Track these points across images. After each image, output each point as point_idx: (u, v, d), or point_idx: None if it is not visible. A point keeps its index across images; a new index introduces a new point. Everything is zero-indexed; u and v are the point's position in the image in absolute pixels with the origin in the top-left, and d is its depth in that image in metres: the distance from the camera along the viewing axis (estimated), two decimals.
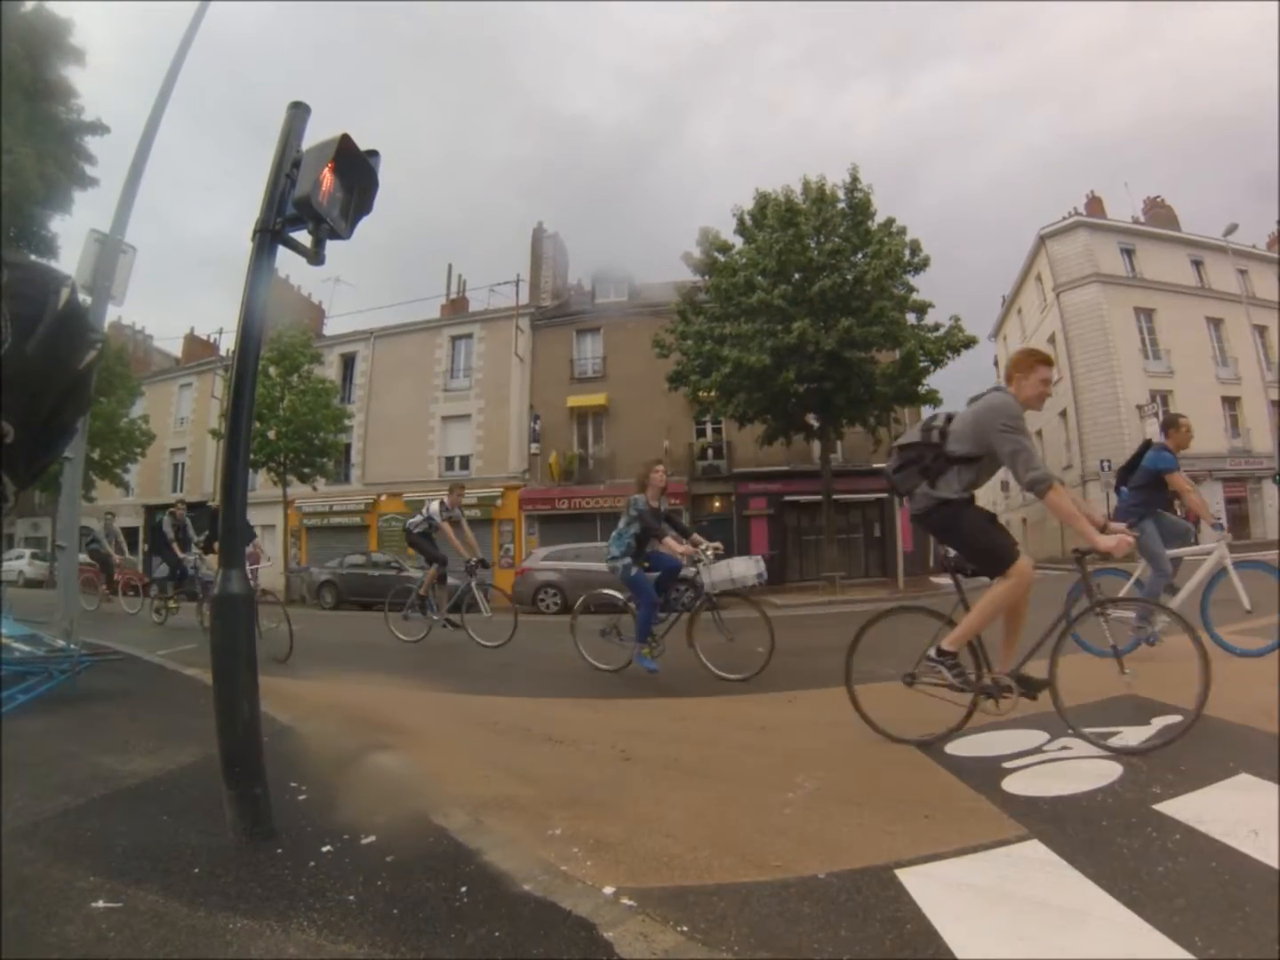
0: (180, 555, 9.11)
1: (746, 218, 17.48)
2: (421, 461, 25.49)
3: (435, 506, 7.72)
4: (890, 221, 17.12)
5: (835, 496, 18.28)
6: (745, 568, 5.39)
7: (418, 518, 7.90)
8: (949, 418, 3.33)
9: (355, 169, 2.54)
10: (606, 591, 6.00)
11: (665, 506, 5.70)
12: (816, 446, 19.00)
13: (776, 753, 3.30)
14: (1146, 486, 5.06)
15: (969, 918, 1.71)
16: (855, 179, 17.09)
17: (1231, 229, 24.77)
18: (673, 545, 5.37)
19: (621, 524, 5.56)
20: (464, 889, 1.91)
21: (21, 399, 1.09)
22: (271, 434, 19.83)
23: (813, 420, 17.88)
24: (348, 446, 25.42)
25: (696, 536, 5.56)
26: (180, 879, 1.98)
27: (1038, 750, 3.00)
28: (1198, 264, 28.10)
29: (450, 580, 8.06)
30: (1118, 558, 3.28)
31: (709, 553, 5.31)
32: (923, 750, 3.18)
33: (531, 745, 3.61)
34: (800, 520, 22.58)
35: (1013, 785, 2.61)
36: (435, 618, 7.62)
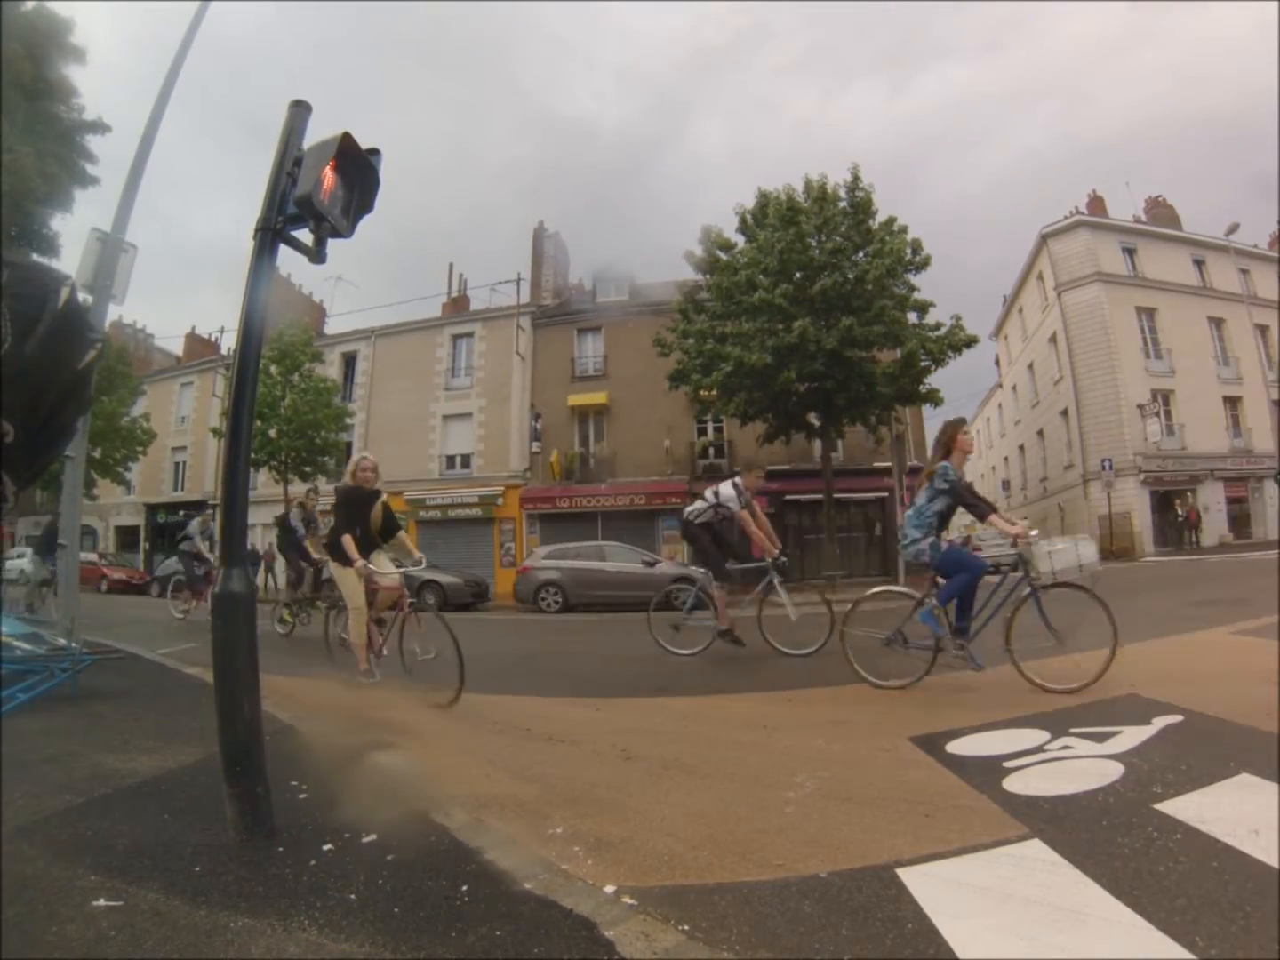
0: (316, 555, 8.16)
1: (748, 216, 17.47)
2: (422, 460, 25.49)
3: (729, 490, 6.32)
4: (891, 220, 17.10)
5: (836, 495, 18.28)
6: (1091, 552, 4.35)
7: (699, 505, 6.53)
8: None
9: (356, 167, 2.54)
10: (897, 589, 5.02)
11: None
12: (817, 445, 19.00)
13: (777, 752, 3.30)
14: None
15: (970, 917, 1.71)
16: (856, 178, 17.08)
17: (1233, 228, 24.75)
18: (1000, 524, 4.33)
19: (922, 499, 4.53)
20: (465, 888, 1.92)
21: (21, 399, 1.09)
22: (273, 433, 19.83)
23: (814, 419, 17.88)
24: (349, 445, 25.38)
25: (1003, 513, 4.65)
26: (181, 877, 1.98)
27: (1039, 750, 3.00)
28: (1199, 263, 28.05)
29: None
30: None
31: (1034, 533, 4.32)
32: (924, 750, 3.17)
33: (532, 744, 3.61)
34: (801, 519, 22.56)
35: (1014, 785, 2.61)
36: (721, 627, 6.30)
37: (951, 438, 4.56)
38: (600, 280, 27.49)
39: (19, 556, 18.61)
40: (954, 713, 3.73)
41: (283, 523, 8.83)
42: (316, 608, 8.09)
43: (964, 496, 4.47)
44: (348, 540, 4.71)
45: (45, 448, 1.24)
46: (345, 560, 4.72)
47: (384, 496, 5.18)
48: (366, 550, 4.82)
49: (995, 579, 4.52)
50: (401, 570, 5.00)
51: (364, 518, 4.95)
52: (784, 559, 6.29)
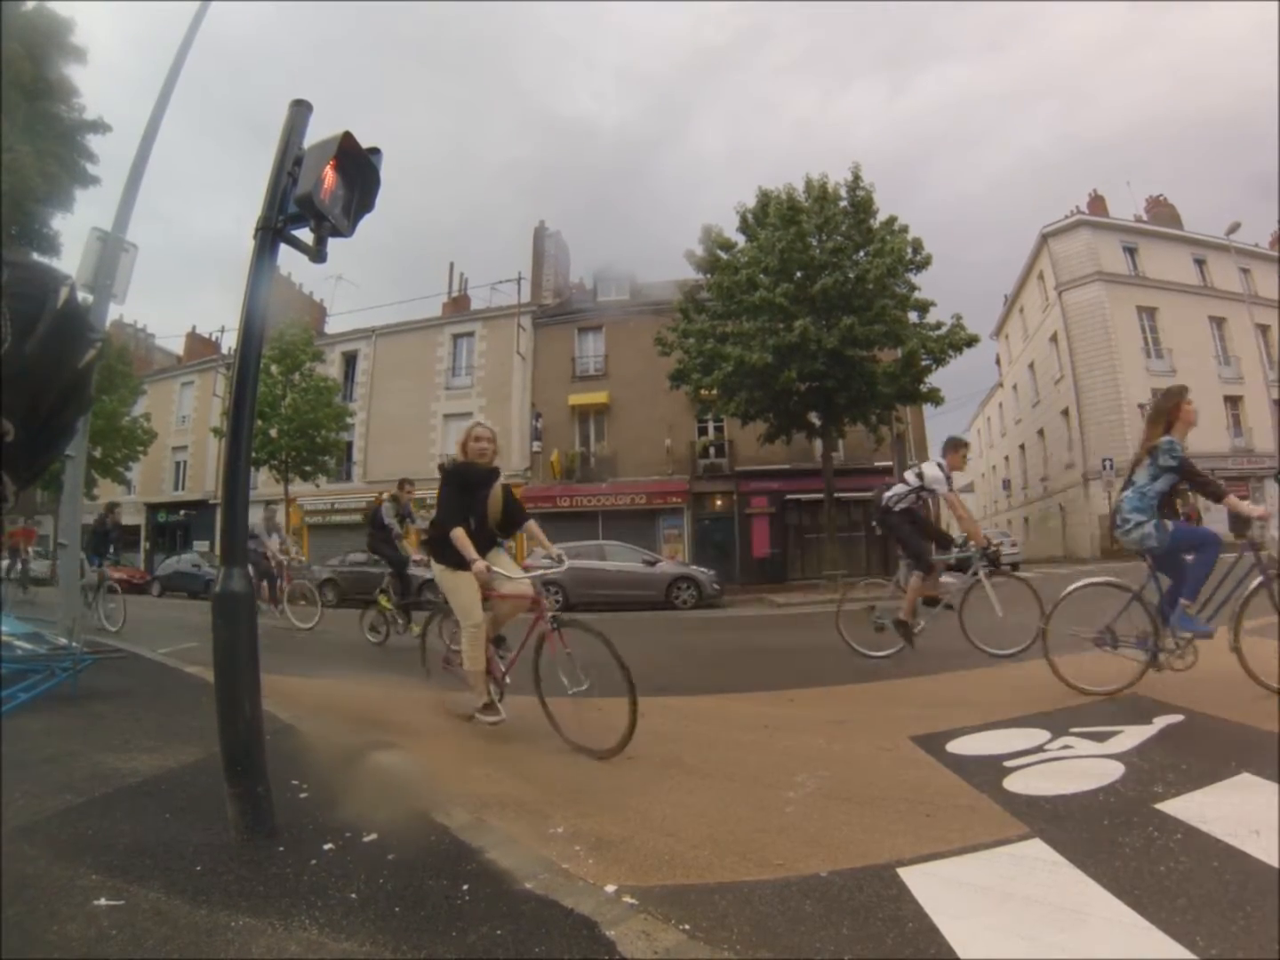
0: (410, 553, 7.48)
1: (749, 216, 17.47)
2: (423, 460, 25.43)
3: (936, 471, 5.67)
4: (892, 220, 17.09)
5: (837, 495, 18.27)
6: None
7: (899, 489, 5.84)
8: None
9: (357, 167, 2.54)
10: (1108, 581, 4.30)
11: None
12: (818, 445, 19.00)
13: (777, 752, 3.29)
14: None
15: (971, 916, 1.71)
16: (857, 177, 17.07)
17: (1234, 228, 24.75)
18: (1239, 504, 3.77)
19: (1142, 478, 3.96)
20: (465, 887, 1.91)
21: (21, 398, 1.09)
22: (273, 432, 19.85)
23: (814, 419, 17.88)
24: (349, 444, 25.44)
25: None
26: (182, 877, 1.98)
27: (1039, 749, 3.00)
28: (1200, 263, 28.07)
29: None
30: None
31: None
32: (925, 749, 3.17)
33: (533, 743, 3.61)
34: (802, 518, 22.58)
35: (1014, 784, 2.61)
36: (921, 624, 5.71)
37: (1175, 407, 3.98)
38: (601, 279, 27.53)
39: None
40: (954, 712, 3.73)
41: (372, 519, 7.84)
42: (411, 621, 7.34)
43: (1194, 474, 3.90)
44: (460, 535, 3.57)
45: (46, 447, 1.24)
46: (456, 561, 3.61)
47: (504, 477, 4.04)
48: (483, 547, 3.69)
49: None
50: (538, 574, 3.91)
51: (479, 504, 3.80)
52: (994, 548, 5.78)
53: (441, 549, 3.74)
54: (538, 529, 4.08)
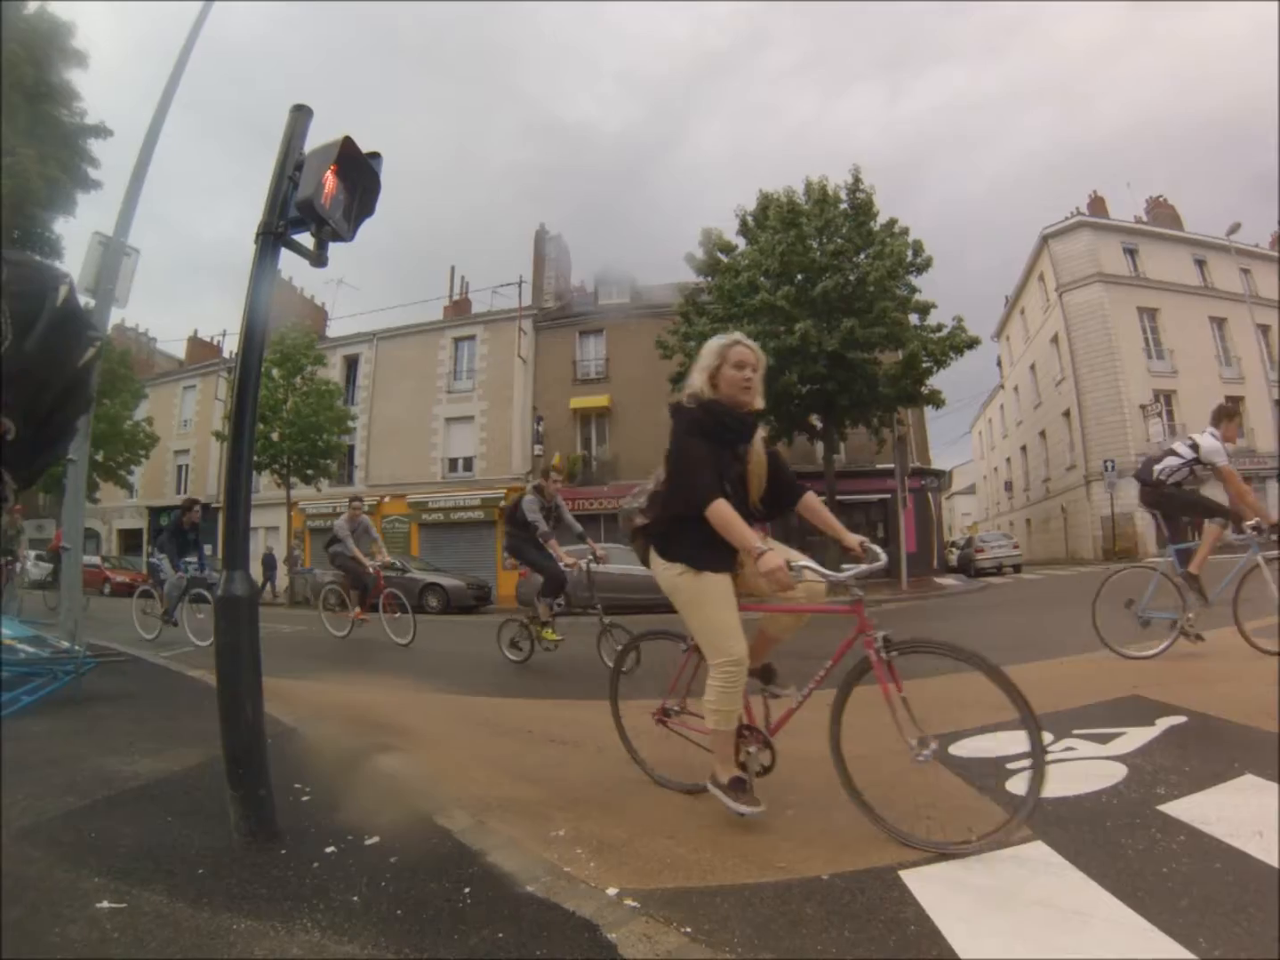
0: (560, 555, 6.37)
1: (749, 219, 17.51)
2: (425, 463, 25.53)
3: (1212, 442, 5.07)
4: (893, 222, 17.13)
5: (839, 497, 18.27)
6: None
7: (1170, 461, 5.22)
8: None
9: (358, 171, 2.54)
10: None
11: None
12: (820, 447, 19.00)
13: (778, 753, 3.28)
14: None
15: (972, 918, 1.70)
16: (857, 180, 17.12)
17: (1234, 228, 24.77)
18: None
19: None
20: (467, 890, 1.91)
21: (22, 396, 1.09)
22: (275, 436, 19.86)
23: (816, 421, 17.89)
24: (351, 448, 25.47)
25: None
26: (184, 880, 1.98)
27: None
28: (1201, 263, 28.07)
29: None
30: None
31: None
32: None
33: (534, 746, 3.61)
34: (803, 521, 22.53)
35: (1017, 786, 2.60)
36: (1189, 616, 4.96)
37: None
38: (602, 283, 27.59)
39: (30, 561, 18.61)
40: (956, 713, 3.72)
41: (511, 516, 6.61)
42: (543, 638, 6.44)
43: None
44: (725, 511, 2.24)
45: (47, 446, 1.24)
46: (702, 558, 2.36)
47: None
48: None
49: None
50: (853, 572, 2.39)
51: (736, 466, 2.47)
52: (1262, 523, 4.97)
53: (674, 537, 2.42)
54: (822, 506, 2.78)
